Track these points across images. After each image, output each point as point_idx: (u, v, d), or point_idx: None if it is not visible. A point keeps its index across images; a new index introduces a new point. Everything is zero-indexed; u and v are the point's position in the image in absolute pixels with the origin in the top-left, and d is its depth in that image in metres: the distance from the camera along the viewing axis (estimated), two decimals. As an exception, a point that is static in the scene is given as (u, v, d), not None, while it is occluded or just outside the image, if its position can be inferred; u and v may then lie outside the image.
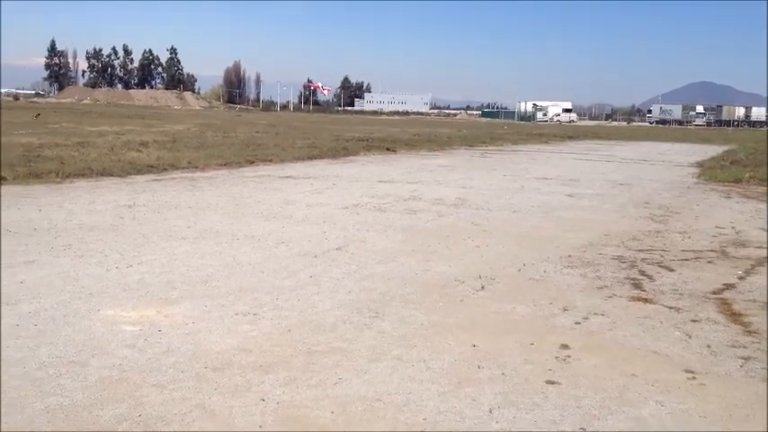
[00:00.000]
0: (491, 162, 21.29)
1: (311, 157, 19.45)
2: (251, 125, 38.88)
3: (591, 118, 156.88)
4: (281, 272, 6.29)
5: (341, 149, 22.35)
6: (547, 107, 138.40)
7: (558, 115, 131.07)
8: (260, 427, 3.31)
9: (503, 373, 4.10)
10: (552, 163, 21.85)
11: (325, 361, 4.15)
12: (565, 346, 4.62)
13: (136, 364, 3.98)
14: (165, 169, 14.52)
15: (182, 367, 3.96)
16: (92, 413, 3.35)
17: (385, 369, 4.06)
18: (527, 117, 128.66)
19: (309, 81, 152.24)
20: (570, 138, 43.48)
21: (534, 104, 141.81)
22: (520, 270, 6.77)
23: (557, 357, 4.42)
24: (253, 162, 17.08)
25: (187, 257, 6.66)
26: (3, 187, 10.91)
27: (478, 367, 4.17)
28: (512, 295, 5.85)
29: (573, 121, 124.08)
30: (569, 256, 7.49)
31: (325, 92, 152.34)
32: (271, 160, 17.82)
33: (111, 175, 13.05)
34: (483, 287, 6.05)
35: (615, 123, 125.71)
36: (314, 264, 6.65)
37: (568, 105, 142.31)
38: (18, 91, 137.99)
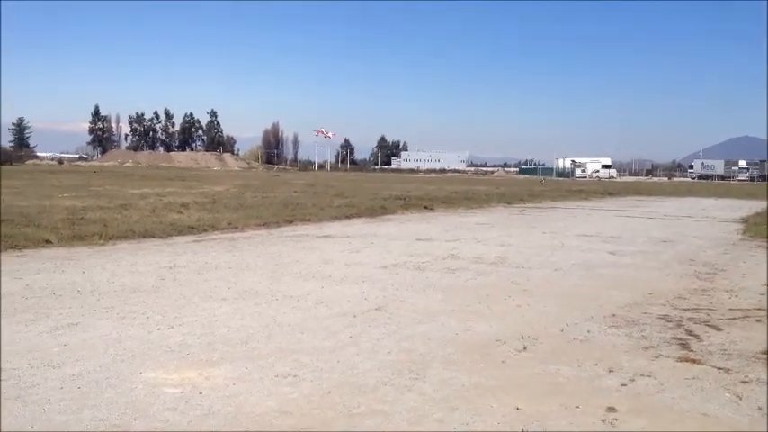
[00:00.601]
0: (530, 219, 21.18)
1: (349, 216, 19.56)
2: (289, 185, 39.38)
3: (631, 174, 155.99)
4: (321, 332, 6.27)
5: (378, 208, 22.45)
6: (585, 163, 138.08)
7: (597, 171, 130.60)
8: (301, 492, 3.26)
9: (548, 437, 3.99)
10: (592, 220, 21.65)
11: (366, 423, 4.10)
12: (611, 409, 4.50)
13: (177, 426, 3.97)
14: (206, 230, 14.70)
15: (222, 430, 3.94)
16: (133, 478, 3.34)
17: (427, 433, 3.99)
18: (565, 173, 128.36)
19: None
20: (610, 194, 43.11)
21: (573, 161, 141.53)
22: (563, 330, 6.65)
23: (603, 420, 4.30)
24: (291, 222, 17.22)
25: (227, 318, 6.69)
26: (48, 250, 11.14)
27: (522, 431, 4.08)
28: (555, 356, 5.74)
29: (612, 177, 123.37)
30: (613, 315, 7.36)
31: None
32: (309, 220, 17.95)
33: (153, 237, 13.25)
34: (525, 348, 5.96)
35: (656, 179, 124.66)
36: (353, 324, 6.63)
37: (607, 161, 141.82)
38: (62, 155, 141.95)
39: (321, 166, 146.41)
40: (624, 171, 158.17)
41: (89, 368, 5.02)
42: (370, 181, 56.87)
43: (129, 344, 5.70)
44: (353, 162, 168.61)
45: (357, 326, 6.56)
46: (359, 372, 5.13)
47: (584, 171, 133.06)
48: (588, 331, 6.64)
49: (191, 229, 14.52)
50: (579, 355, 5.81)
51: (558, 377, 5.19)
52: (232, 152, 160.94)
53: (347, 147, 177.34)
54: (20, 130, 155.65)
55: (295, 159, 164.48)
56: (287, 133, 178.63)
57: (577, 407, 4.53)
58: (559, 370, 5.36)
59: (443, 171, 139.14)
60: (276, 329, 6.33)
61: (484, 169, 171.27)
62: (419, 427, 4.07)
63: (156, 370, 5.03)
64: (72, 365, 5.07)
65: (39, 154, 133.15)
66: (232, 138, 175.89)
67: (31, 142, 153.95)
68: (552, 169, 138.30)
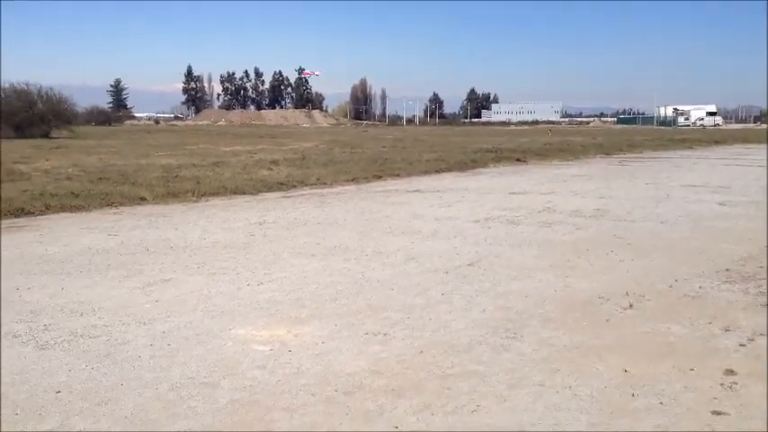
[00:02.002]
0: (630, 170, 20.30)
1: (438, 171, 19.23)
2: (377, 140, 39.21)
3: (737, 121, 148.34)
4: (412, 289, 6.05)
5: (469, 161, 22.01)
6: (689, 111, 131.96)
7: (702, 119, 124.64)
8: (394, 459, 3.06)
9: (661, 403, 3.65)
10: (698, 169, 20.58)
11: (460, 386, 3.86)
12: (730, 372, 4.11)
13: (266, 386, 3.84)
14: (295, 186, 14.71)
15: (312, 390, 3.78)
16: (220, 440, 3.22)
17: (527, 396, 3.72)
18: (667, 122, 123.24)
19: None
20: (716, 142, 41.01)
21: (675, 109, 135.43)
22: (671, 286, 6.21)
23: (722, 384, 3.92)
24: (380, 177, 17.05)
25: (316, 275, 6.56)
26: (143, 207, 11.34)
27: (632, 395, 3.75)
28: (665, 314, 5.34)
29: (718, 124, 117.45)
30: (727, 270, 6.83)
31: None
32: (398, 174, 17.74)
33: (244, 193, 13.33)
34: (631, 305, 5.57)
35: (765, 126, 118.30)
36: (445, 281, 6.38)
37: (712, 108, 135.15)
38: (158, 115, 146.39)
39: (410, 121, 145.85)
40: (730, 118, 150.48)
41: (179, 324, 4.97)
42: (459, 134, 56.12)
43: (218, 300, 5.64)
44: (442, 116, 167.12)
45: (449, 282, 6.30)
46: (452, 330, 4.89)
47: (687, 119, 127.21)
48: (700, 287, 6.18)
49: (280, 186, 14.55)
50: (691, 312, 5.39)
51: (669, 337, 4.81)
52: (321, 109, 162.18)
53: (436, 100, 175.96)
54: (117, 91, 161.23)
55: (383, 115, 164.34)
56: (375, 89, 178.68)
57: (692, 369, 4.16)
58: (670, 329, 4.97)
59: (536, 123, 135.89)
60: (366, 286, 6.15)
61: (579, 120, 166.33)
62: (519, 390, 3.80)
63: (245, 327, 4.93)
64: (163, 322, 5.03)
65: (136, 114, 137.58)
66: (320, 94, 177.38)
67: (129, 103, 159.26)
68: (653, 118, 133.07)
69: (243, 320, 5.09)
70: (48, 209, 10.76)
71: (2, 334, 4.74)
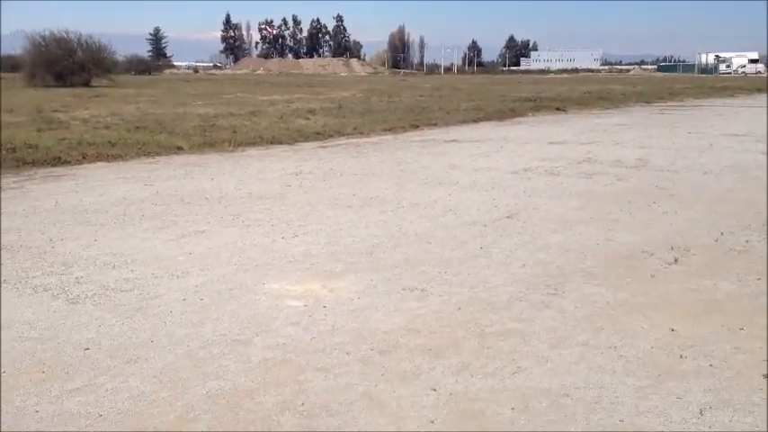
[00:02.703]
0: (672, 119, 19.74)
1: (476, 120, 18.90)
2: (415, 89, 38.70)
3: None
4: (449, 242, 5.91)
5: (507, 111, 21.60)
6: (731, 58, 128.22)
7: (744, 66, 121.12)
8: (432, 422, 2.96)
9: (710, 365, 3.50)
10: (742, 118, 19.94)
11: (500, 345, 3.74)
12: (782, 332, 3.93)
13: (300, 344, 3.75)
14: (331, 136, 14.55)
15: (347, 348, 3.69)
16: (253, 399, 3.14)
17: (570, 357, 3.58)
18: (708, 70, 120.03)
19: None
20: (759, 90, 39.81)
21: (716, 56, 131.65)
22: (717, 240, 5.98)
23: (774, 346, 3.74)
24: (417, 126, 16.79)
25: (352, 227, 6.44)
26: (179, 157, 11.30)
27: (680, 357, 3.59)
28: (711, 269, 5.14)
29: (760, 72, 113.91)
30: (775, 223, 6.58)
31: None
32: (435, 124, 17.46)
33: (280, 143, 13.22)
34: (676, 260, 5.37)
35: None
36: (483, 234, 6.22)
37: (754, 56, 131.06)
38: (197, 64, 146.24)
39: (448, 69, 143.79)
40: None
41: (212, 278, 4.90)
42: (497, 83, 55.17)
43: (252, 253, 5.57)
44: (480, 64, 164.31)
45: (487, 236, 6.15)
46: (490, 286, 4.75)
47: (728, 66, 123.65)
48: (747, 241, 5.95)
49: (317, 135, 14.41)
50: (738, 268, 5.18)
51: (716, 294, 4.62)
52: (358, 57, 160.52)
53: (474, 48, 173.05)
54: (156, 39, 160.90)
55: (421, 63, 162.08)
56: (413, 36, 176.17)
57: (742, 329, 3.98)
58: (717, 285, 4.78)
59: (575, 71, 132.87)
60: (402, 239, 6.02)
61: (619, 67, 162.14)
62: (561, 350, 3.66)
63: (279, 281, 4.85)
64: (196, 276, 4.96)
65: (175, 63, 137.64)
66: (359, 43, 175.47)
67: (168, 52, 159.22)
68: (694, 65, 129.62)
69: (277, 274, 5.01)
70: (84, 158, 10.78)
71: (34, 286, 4.72)
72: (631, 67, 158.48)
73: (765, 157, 11.19)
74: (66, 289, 4.67)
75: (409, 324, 4.04)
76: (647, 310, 4.27)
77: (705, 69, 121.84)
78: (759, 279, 4.90)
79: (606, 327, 4.00)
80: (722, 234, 6.17)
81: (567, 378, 3.34)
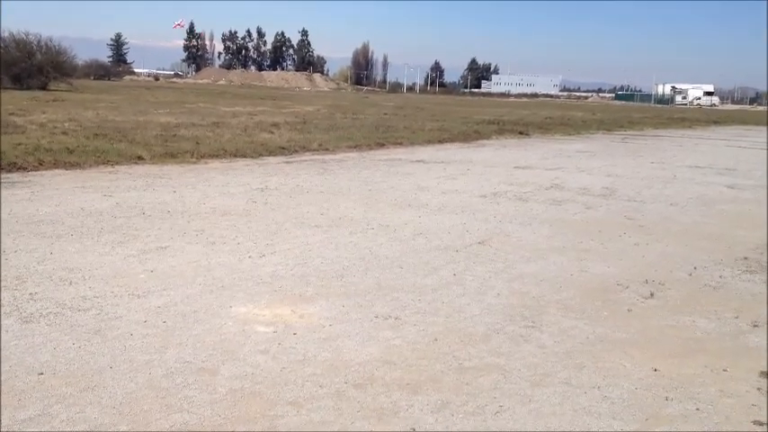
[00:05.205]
0: (634, 148, 19.97)
1: (441, 141, 18.86)
2: (379, 107, 38.65)
3: (733, 102, 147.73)
4: (421, 268, 5.75)
5: (472, 132, 21.62)
6: (686, 90, 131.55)
7: (699, 99, 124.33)
8: (412, 467, 2.78)
9: (697, 409, 3.38)
10: (701, 150, 20.27)
11: (480, 381, 3.57)
12: (765, 374, 3.84)
13: (269, 374, 3.54)
14: (297, 151, 14.33)
15: (319, 381, 3.49)
16: (221, 436, 2.93)
17: (553, 396, 3.44)
18: (665, 100, 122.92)
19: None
20: (715, 122, 40.72)
21: (673, 87, 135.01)
22: (691, 274, 5.93)
23: (759, 389, 3.65)
24: (383, 145, 16.67)
25: (321, 248, 6.24)
26: (140, 167, 10.97)
27: (666, 399, 3.48)
28: (688, 305, 5.07)
29: (714, 104, 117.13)
30: (745, 258, 6.58)
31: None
32: (401, 143, 17.36)
33: (244, 156, 12.96)
34: (652, 294, 5.29)
35: (761, 108, 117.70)
36: (456, 259, 6.08)
37: (710, 88, 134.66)
38: (158, 71, 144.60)
39: (410, 88, 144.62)
40: (727, 99, 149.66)
41: (176, 299, 4.66)
42: (459, 104, 55.49)
43: (218, 272, 5.33)
44: (442, 85, 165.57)
45: (460, 261, 6.00)
46: (466, 316, 4.60)
47: (684, 98, 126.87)
48: (720, 276, 5.91)
49: (282, 150, 14.18)
50: (715, 305, 5.12)
51: (696, 332, 4.54)
52: (322, 72, 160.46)
53: (437, 69, 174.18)
54: (118, 45, 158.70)
55: (384, 81, 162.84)
56: (377, 54, 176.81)
57: (725, 370, 3.89)
58: (695, 323, 4.70)
59: (535, 95, 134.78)
60: (373, 262, 5.84)
61: (577, 94, 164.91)
62: (544, 389, 3.51)
63: (246, 304, 4.62)
64: (158, 295, 4.71)
65: (136, 70, 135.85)
66: (322, 58, 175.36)
67: (129, 58, 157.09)
68: (650, 95, 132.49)
69: (244, 297, 4.78)
70: (41, 165, 10.38)
71: (-13, 302, 4.42)
72: (589, 94, 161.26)
73: (728, 189, 11.31)
74: (20, 306, 4.38)
75: (384, 355, 3.85)
76: (628, 348, 4.16)
77: (662, 100, 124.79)
78: (737, 317, 4.84)
79: (587, 364, 3.87)
80: (695, 269, 6.12)
81: (551, 420, 3.19)
